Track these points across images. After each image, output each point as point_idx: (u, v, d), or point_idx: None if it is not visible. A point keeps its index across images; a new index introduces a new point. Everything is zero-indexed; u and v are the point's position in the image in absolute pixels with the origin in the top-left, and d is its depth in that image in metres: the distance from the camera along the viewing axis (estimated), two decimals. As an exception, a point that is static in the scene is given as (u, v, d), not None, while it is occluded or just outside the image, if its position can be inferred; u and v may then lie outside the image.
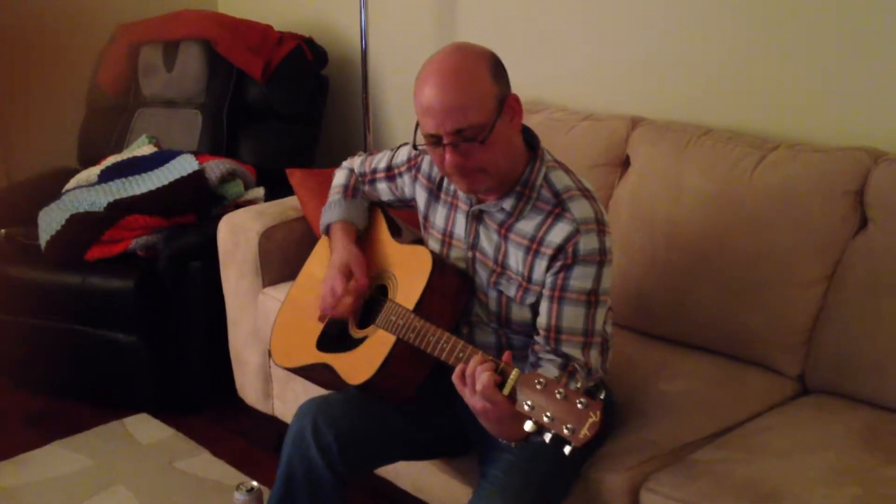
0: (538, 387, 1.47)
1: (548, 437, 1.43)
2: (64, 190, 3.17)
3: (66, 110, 3.66)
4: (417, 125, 1.77)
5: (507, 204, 1.83)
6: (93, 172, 3.20)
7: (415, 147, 1.80)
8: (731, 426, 1.97)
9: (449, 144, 1.71)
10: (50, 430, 2.89)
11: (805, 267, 2.12)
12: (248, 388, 2.80)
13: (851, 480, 1.73)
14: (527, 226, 1.82)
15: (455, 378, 1.61)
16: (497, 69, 1.75)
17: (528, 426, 1.44)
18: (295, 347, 2.05)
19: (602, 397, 1.43)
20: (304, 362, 2.00)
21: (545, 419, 1.43)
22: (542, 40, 2.86)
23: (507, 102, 1.75)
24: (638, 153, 2.44)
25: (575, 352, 1.76)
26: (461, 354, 1.66)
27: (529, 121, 2.62)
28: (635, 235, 2.35)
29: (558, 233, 1.77)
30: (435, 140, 1.73)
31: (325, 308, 1.95)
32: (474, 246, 1.89)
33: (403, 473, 2.24)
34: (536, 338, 1.80)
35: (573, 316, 1.76)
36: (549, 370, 1.73)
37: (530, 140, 1.86)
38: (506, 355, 1.58)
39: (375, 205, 2.15)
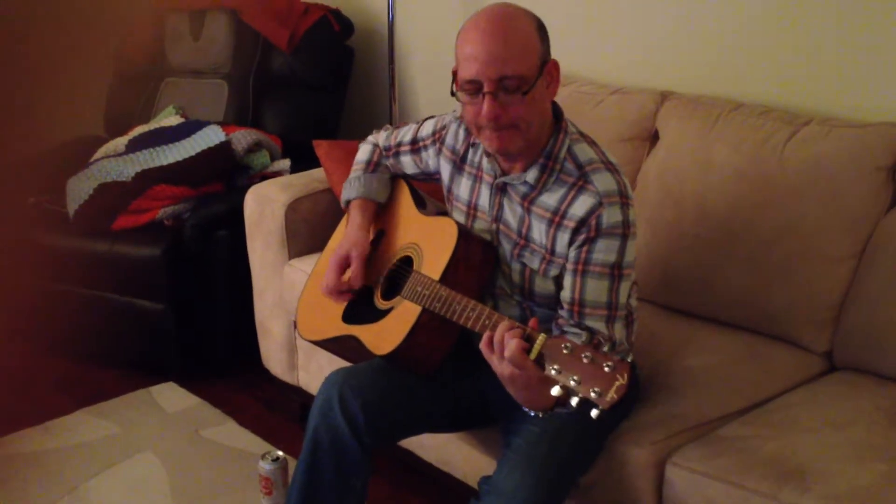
0: (565, 351, 1.46)
1: (574, 400, 1.43)
2: (92, 159, 3.18)
3: (93, 78, 3.66)
4: (455, 75, 1.76)
5: (531, 176, 1.82)
6: (120, 142, 3.21)
7: (452, 94, 1.78)
8: (758, 402, 1.96)
9: (489, 93, 1.70)
10: (77, 397, 2.92)
11: (835, 243, 2.10)
12: (273, 358, 2.81)
13: (879, 457, 1.72)
14: (550, 199, 1.81)
15: (483, 345, 1.61)
16: (542, 31, 1.76)
17: (556, 390, 1.44)
18: (321, 321, 2.05)
19: (629, 360, 1.42)
20: (331, 335, 2.01)
21: (572, 382, 1.43)
22: (570, 13, 2.82)
23: (547, 66, 1.75)
24: (667, 128, 2.42)
25: (599, 325, 1.76)
26: (487, 322, 1.66)
27: (557, 94, 2.61)
28: (663, 210, 2.34)
29: (581, 206, 1.76)
30: (475, 88, 1.72)
31: (326, 294, 2.01)
32: (498, 218, 1.89)
33: (428, 446, 2.25)
34: (560, 311, 1.80)
35: (597, 289, 1.75)
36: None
37: (554, 111, 1.86)
38: (532, 321, 1.58)
39: (399, 177, 2.15)
